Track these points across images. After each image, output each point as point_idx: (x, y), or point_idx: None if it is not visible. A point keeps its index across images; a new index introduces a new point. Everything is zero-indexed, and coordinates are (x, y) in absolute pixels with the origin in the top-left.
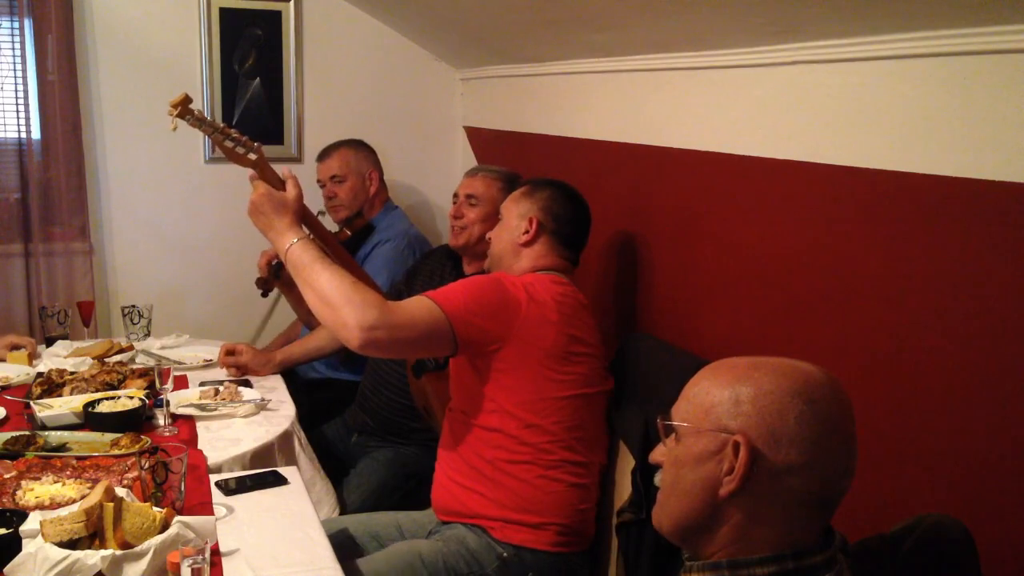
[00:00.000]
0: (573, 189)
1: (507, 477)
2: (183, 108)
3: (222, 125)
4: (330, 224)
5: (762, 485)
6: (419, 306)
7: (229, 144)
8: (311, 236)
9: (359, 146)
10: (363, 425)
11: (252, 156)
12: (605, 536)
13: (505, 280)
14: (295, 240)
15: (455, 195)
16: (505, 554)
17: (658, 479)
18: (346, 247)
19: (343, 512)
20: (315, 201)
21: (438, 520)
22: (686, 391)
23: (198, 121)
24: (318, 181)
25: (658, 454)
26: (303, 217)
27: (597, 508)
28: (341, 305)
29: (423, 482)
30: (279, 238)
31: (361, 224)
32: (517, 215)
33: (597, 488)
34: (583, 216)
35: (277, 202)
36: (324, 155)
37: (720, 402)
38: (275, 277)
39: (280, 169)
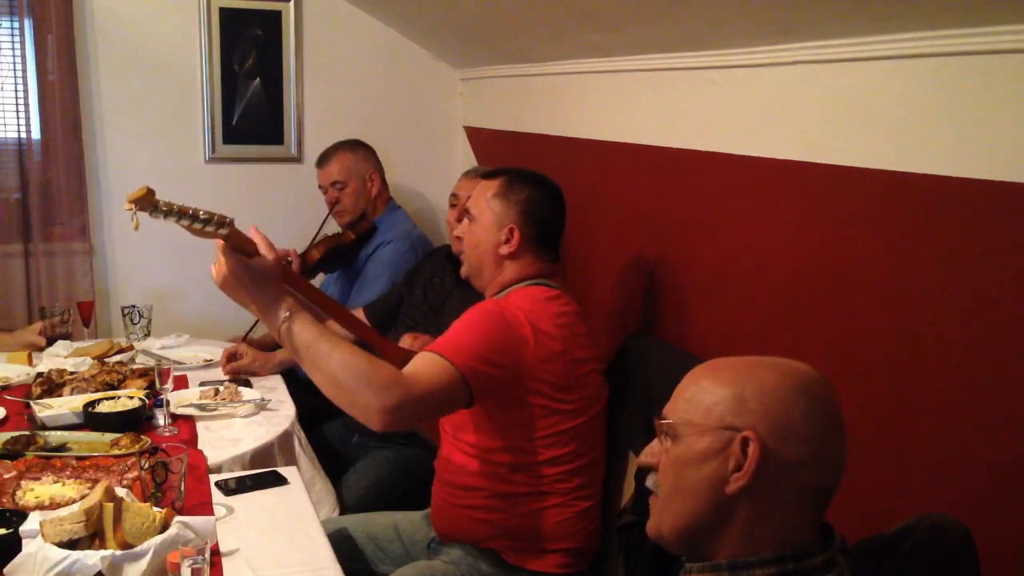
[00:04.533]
0: (549, 181)
1: (519, 509)
2: (143, 203)
3: (191, 210)
4: (333, 227)
5: (770, 482)
6: (432, 368)
7: (198, 227)
8: (299, 303)
9: (357, 147)
10: (365, 426)
11: (224, 231)
12: (608, 548)
13: (507, 314)
14: (286, 315)
15: (454, 196)
16: None
17: (651, 482)
18: (348, 249)
19: (342, 511)
20: (315, 203)
21: (437, 536)
22: (682, 391)
23: (163, 213)
24: (319, 187)
25: (649, 455)
26: (283, 278)
27: (600, 517)
28: (359, 390)
29: (422, 482)
30: (265, 313)
31: (366, 227)
32: (493, 220)
33: (600, 505)
34: (562, 212)
35: (255, 272)
36: (323, 160)
37: (723, 400)
38: None
39: (279, 168)
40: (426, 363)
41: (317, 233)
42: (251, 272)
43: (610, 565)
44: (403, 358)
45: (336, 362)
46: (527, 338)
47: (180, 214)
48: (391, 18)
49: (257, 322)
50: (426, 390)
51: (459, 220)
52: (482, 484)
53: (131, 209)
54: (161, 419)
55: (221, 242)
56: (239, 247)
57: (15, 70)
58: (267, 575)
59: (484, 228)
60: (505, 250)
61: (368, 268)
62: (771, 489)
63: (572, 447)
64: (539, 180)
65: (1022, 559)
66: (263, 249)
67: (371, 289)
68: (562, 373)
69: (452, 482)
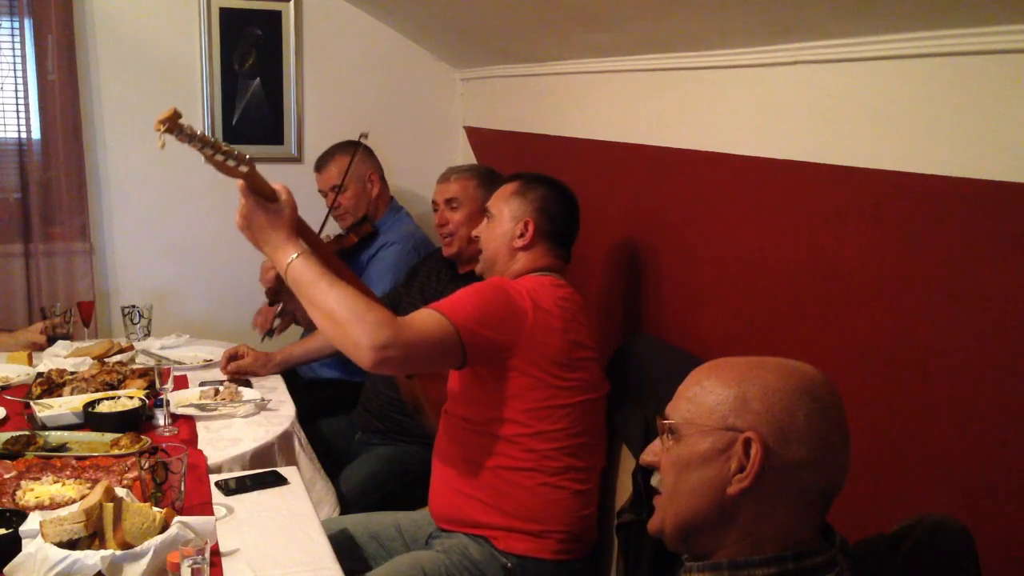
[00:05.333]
0: (564, 185)
1: (509, 485)
2: (171, 123)
3: (213, 139)
4: (334, 227)
5: (772, 482)
6: (428, 320)
7: (219, 158)
8: (309, 249)
9: (355, 148)
10: (368, 424)
11: (243, 169)
12: (606, 540)
13: (509, 288)
14: (295, 255)
15: (433, 203)
16: (509, 564)
17: (656, 481)
18: (351, 251)
19: (341, 506)
20: (315, 204)
21: (437, 527)
22: (684, 391)
23: (187, 136)
24: (319, 191)
25: (650, 455)
26: (298, 228)
27: (598, 511)
28: (352, 324)
29: (418, 478)
30: (276, 252)
31: (368, 230)
32: (510, 216)
33: (598, 492)
34: (575, 213)
35: (271, 215)
36: (321, 165)
37: (725, 400)
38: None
39: (279, 168)
40: (422, 315)
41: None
42: (268, 213)
43: (608, 561)
44: None
45: (333, 297)
46: (526, 310)
47: (203, 141)
48: (391, 18)
49: (277, 324)
50: (417, 336)
51: (442, 224)
52: (474, 457)
53: (160, 130)
54: (161, 419)
55: (242, 183)
56: (259, 190)
57: (15, 70)
58: (267, 575)
59: (501, 224)
60: (519, 243)
61: (371, 270)
62: (773, 490)
63: (563, 424)
64: (554, 182)
65: (1022, 559)
66: (283, 196)
67: (374, 291)
68: (560, 349)
69: (447, 459)
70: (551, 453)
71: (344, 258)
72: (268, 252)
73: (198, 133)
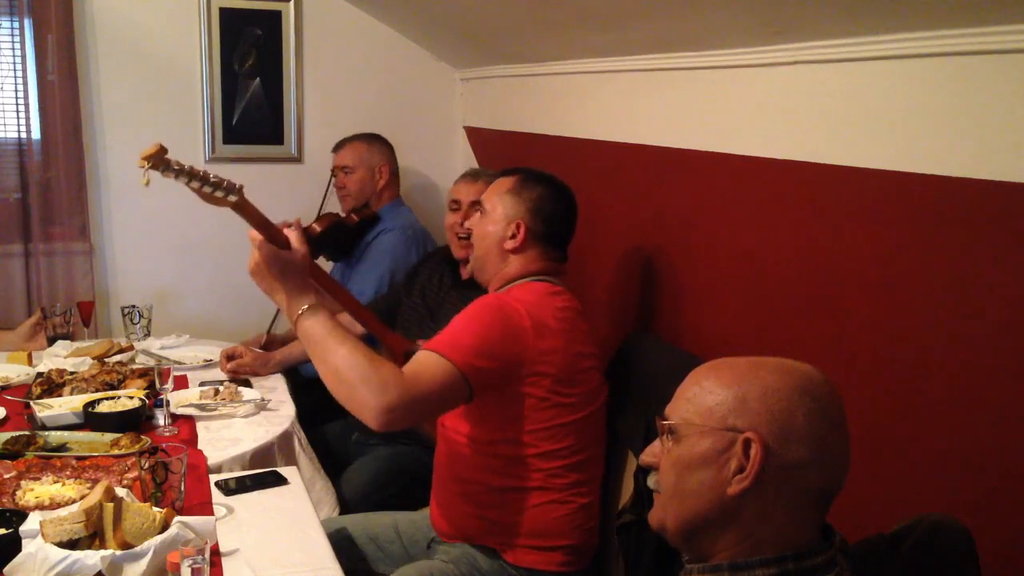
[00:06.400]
0: (562, 184)
1: (517, 504)
2: (156, 159)
3: (200, 171)
4: (335, 207)
5: (772, 482)
6: (431, 366)
7: (207, 190)
8: (320, 299)
9: (374, 140)
10: (366, 426)
11: (232, 198)
12: (608, 545)
13: (506, 307)
14: (305, 307)
15: (455, 202)
16: None
17: (652, 482)
18: (350, 234)
19: (342, 509)
20: (316, 203)
21: (437, 535)
22: (684, 391)
23: (174, 172)
24: (331, 169)
25: (650, 456)
26: (309, 272)
27: (600, 517)
28: (358, 386)
29: (418, 478)
30: (288, 302)
31: (369, 214)
32: (503, 215)
33: (599, 503)
34: (572, 214)
35: (283, 265)
36: (339, 146)
37: (725, 401)
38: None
39: (279, 168)
40: (425, 362)
41: (320, 209)
42: (280, 262)
43: (610, 564)
44: (407, 350)
45: (340, 358)
46: (526, 329)
47: (190, 175)
48: (391, 18)
49: (276, 315)
50: (424, 390)
51: (461, 224)
52: (479, 478)
53: (143, 166)
54: (161, 419)
55: (255, 234)
56: (271, 238)
57: (15, 70)
58: (267, 575)
59: (493, 222)
60: (510, 245)
61: (367, 254)
62: (773, 490)
63: (569, 442)
64: (553, 181)
65: (1022, 559)
66: (295, 243)
67: (370, 274)
68: (562, 366)
69: (450, 477)
70: (555, 471)
71: (342, 236)
72: (278, 301)
73: (185, 167)
